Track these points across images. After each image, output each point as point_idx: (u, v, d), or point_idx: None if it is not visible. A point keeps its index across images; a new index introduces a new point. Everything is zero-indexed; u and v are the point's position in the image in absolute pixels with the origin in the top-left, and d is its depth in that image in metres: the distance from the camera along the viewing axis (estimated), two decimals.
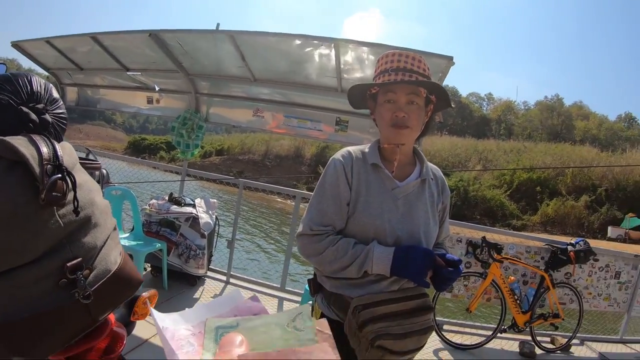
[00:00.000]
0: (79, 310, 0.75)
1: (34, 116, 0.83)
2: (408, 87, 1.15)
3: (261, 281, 4.18)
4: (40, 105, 0.86)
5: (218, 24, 3.55)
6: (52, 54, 4.53)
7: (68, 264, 0.73)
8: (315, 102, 3.96)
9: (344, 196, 1.19)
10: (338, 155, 1.25)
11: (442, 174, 1.36)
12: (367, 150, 1.26)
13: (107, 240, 0.85)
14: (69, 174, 0.76)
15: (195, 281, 3.68)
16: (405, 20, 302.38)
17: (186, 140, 4.26)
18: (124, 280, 0.85)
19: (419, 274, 1.10)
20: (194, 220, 3.58)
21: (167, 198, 3.81)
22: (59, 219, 0.74)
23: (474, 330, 3.58)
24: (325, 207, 1.19)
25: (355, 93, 1.28)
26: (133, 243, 3.33)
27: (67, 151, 0.81)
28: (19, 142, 0.73)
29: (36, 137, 0.76)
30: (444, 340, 3.25)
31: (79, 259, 0.75)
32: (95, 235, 0.81)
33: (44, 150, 0.74)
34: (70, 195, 0.76)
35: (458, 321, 3.71)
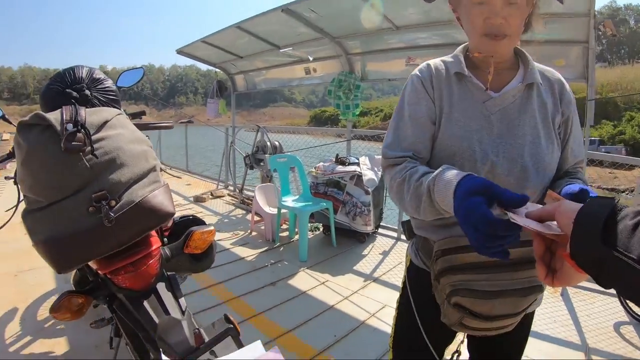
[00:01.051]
0: (105, 233, 0.93)
1: (75, 94, 1.15)
2: None
3: None
4: (79, 86, 1.18)
5: None
6: (212, 51, 5.14)
7: (93, 195, 0.92)
8: (462, 37, 3.36)
9: (427, 114, 0.93)
10: (416, 69, 0.99)
11: (560, 76, 0.97)
12: (450, 59, 0.98)
13: (137, 178, 1.00)
14: (85, 129, 0.94)
15: (364, 238, 3.71)
16: None
17: (345, 102, 4.26)
18: (149, 211, 0.99)
19: (475, 238, 0.60)
20: (357, 177, 3.59)
21: (333, 160, 3.93)
22: (85, 162, 0.93)
23: None
24: (403, 132, 0.94)
25: None
26: (300, 204, 3.57)
27: (100, 113, 1.03)
28: (52, 113, 0.97)
29: (66, 107, 0.99)
30: (630, 312, 2.40)
31: (104, 191, 0.93)
32: (121, 174, 0.97)
33: (66, 115, 0.96)
34: (105, 143, 0.97)
35: None
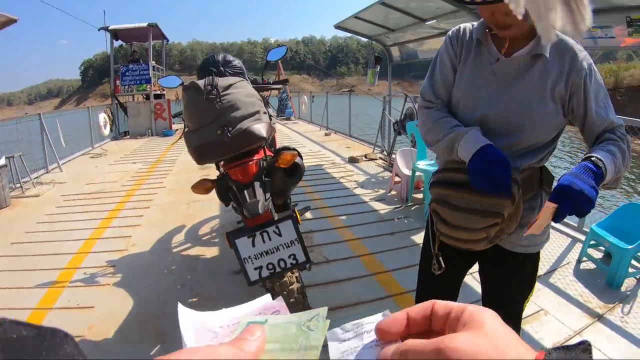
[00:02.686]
0: (225, 144, 1.61)
1: (214, 70, 1.93)
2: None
3: None
4: (217, 65, 1.98)
5: None
6: (366, 25, 5.55)
7: (221, 125, 1.61)
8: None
9: (452, 65, 1.17)
10: (450, 31, 1.21)
11: (577, 48, 1.04)
12: (477, 25, 1.15)
13: (247, 116, 1.66)
14: (217, 89, 1.62)
15: None
16: None
17: None
18: (250, 134, 1.64)
19: (490, 185, 0.97)
20: None
21: None
22: (216, 106, 1.62)
23: None
24: (435, 79, 1.19)
25: None
26: (428, 168, 3.78)
27: (227, 80, 1.69)
28: (200, 80, 1.67)
29: (208, 77, 1.68)
30: None
31: (226, 122, 1.62)
32: (237, 113, 1.64)
33: (208, 80, 1.65)
34: (229, 97, 1.65)
35: None
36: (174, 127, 10.87)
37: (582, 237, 2.93)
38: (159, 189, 4.79)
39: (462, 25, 1.19)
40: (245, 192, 1.63)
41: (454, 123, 1.09)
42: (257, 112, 1.71)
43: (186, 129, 1.77)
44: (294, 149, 1.83)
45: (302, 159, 1.89)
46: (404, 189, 4.09)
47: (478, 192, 1.01)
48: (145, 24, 10.78)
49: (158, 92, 11.10)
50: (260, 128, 1.67)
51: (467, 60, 1.14)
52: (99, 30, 10.71)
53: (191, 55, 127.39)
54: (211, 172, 5.00)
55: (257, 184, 1.66)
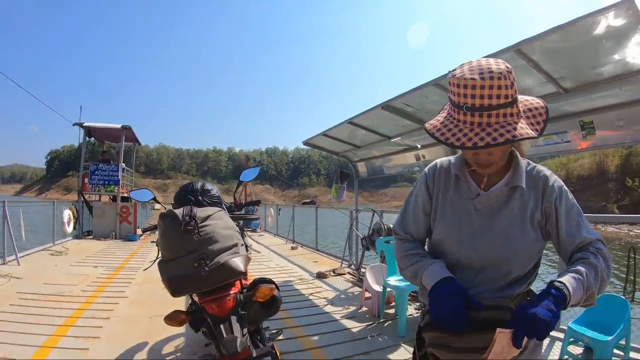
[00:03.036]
0: (202, 278, 1.57)
1: (192, 198, 1.94)
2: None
3: None
4: (195, 194, 1.97)
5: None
6: (334, 142, 6.07)
7: (198, 258, 1.58)
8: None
9: (423, 207, 1.24)
10: (426, 168, 1.29)
11: (549, 175, 1.15)
12: (454, 160, 1.22)
13: (225, 249, 1.65)
14: (195, 220, 1.63)
15: None
16: None
17: None
18: (228, 269, 1.63)
19: (442, 318, 1.02)
20: None
21: None
22: (194, 237, 1.61)
23: None
24: (406, 216, 1.28)
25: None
26: (402, 283, 3.78)
27: (206, 211, 1.72)
28: (178, 209, 1.68)
29: (187, 207, 1.70)
30: None
31: (204, 254, 1.60)
32: (215, 246, 1.64)
33: (186, 210, 1.66)
34: (207, 228, 1.65)
35: None
36: (139, 232, 10.63)
37: (561, 335, 2.91)
38: (120, 299, 4.47)
39: (438, 162, 1.26)
40: (222, 326, 1.61)
41: (420, 254, 1.18)
42: (235, 245, 1.72)
43: (160, 258, 1.74)
44: (271, 281, 1.87)
45: (279, 290, 1.93)
46: (376, 305, 4.05)
47: (478, 330, 0.99)
48: (119, 126, 11.05)
49: (125, 194, 11.03)
50: (238, 262, 1.67)
51: (447, 196, 1.18)
52: (73, 125, 10.88)
53: (157, 159, 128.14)
54: None
55: (234, 319, 1.65)
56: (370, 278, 4.33)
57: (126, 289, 4.97)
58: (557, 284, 0.95)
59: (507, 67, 0.97)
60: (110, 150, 13.20)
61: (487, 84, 0.94)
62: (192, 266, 1.58)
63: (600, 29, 2.30)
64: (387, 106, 4.22)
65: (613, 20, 2.19)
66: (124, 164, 11.73)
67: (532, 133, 0.97)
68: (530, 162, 1.16)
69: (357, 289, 5.13)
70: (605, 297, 2.76)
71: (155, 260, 2.14)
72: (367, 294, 4.38)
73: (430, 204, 1.22)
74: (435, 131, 1.05)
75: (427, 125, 1.10)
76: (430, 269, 1.10)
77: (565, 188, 1.13)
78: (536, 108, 1.04)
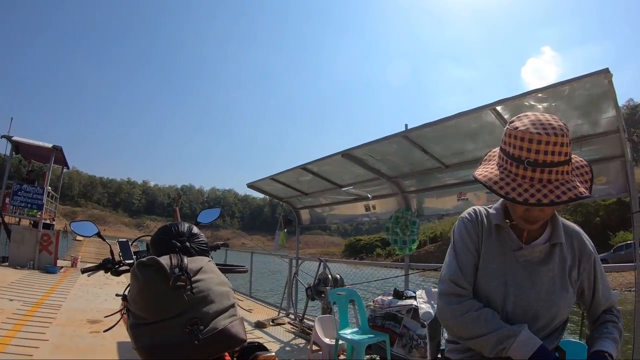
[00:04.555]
0: (195, 348, 1.24)
1: (178, 244, 1.50)
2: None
3: None
4: (182, 239, 1.54)
5: (406, 125, 3.79)
6: (280, 187, 5.95)
7: (190, 321, 1.25)
8: None
9: (474, 255, 1.17)
10: (465, 213, 1.24)
11: (581, 233, 1.19)
12: (492, 211, 1.21)
13: (221, 311, 1.34)
14: (187, 273, 1.29)
15: None
16: (577, 45, 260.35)
17: (402, 237, 4.56)
18: (228, 337, 1.32)
19: None
20: (414, 311, 3.72)
21: (392, 293, 4.13)
22: (184, 297, 1.27)
23: None
24: (461, 266, 1.16)
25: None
26: (357, 336, 3.71)
27: (197, 262, 1.40)
28: (163, 258, 1.32)
29: (174, 255, 1.36)
30: None
31: (196, 319, 1.26)
32: (210, 307, 1.32)
33: (174, 261, 1.32)
34: (200, 284, 1.32)
35: None
36: (60, 263, 9.43)
37: None
38: (40, 342, 3.76)
39: (476, 209, 1.24)
40: None
41: (497, 318, 1.08)
42: (232, 305, 1.42)
43: (132, 320, 1.33)
44: (265, 347, 1.63)
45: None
46: (327, 359, 3.90)
47: None
48: (50, 145, 10.16)
49: (48, 221, 10.03)
50: (238, 328, 1.38)
51: (489, 245, 1.16)
52: (1, 137, 9.74)
53: (68, 183, 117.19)
54: (112, 304, 4.17)
55: None
56: (319, 330, 4.18)
57: (47, 330, 4.29)
58: (606, 355, 1.04)
59: (565, 124, 0.99)
60: (35, 171, 11.71)
61: (552, 140, 0.94)
62: (181, 332, 1.25)
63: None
64: (347, 154, 4.26)
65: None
66: (50, 188, 10.66)
67: (586, 192, 0.99)
68: (560, 217, 1.19)
69: (300, 340, 4.91)
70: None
71: (119, 321, 1.78)
72: (315, 347, 4.22)
73: (479, 248, 1.17)
74: (492, 184, 1.03)
75: (478, 176, 1.09)
76: (521, 337, 1.02)
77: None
78: (582, 167, 1.08)
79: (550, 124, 0.97)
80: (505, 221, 1.16)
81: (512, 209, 1.11)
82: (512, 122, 1.02)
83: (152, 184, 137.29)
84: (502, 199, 1.15)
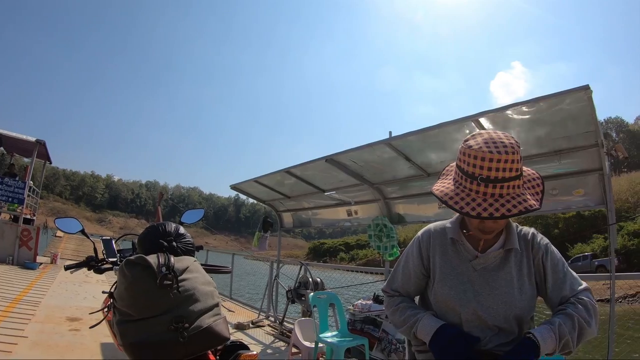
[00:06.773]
0: (180, 345, 1.28)
1: (165, 244, 1.55)
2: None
3: None
4: (169, 238, 1.59)
5: (390, 132, 3.84)
6: (263, 189, 5.94)
7: (175, 319, 1.29)
8: None
9: (414, 270, 1.34)
10: (419, 234, 1.38)
11: (533, 232, 1.27)
12: (449, 225, 1.30)
13: (206, 310, 1.39)
14: (174, 272, 1.34)
15: None
16: (547, 63, 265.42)
17: (384, 243, 4.63)
18: (212, 335, 1.36)
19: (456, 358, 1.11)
20: None
21: (371, 298, 4.19)
22: (171, 295, 1.31)
23: None
24: (396, 275, 1.40)
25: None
26: (336, 339, 3.76)
27: (183, 261, 1.44)
28: (150, 257, 1.36)
29: (161, 254, 1.40)
30: None
31: (182, 317, 1.30)
32: (195, 306, 1.36)
33: (161, 260, 1.36)
34: (186, 283, 1.36)
35: None
36: (39, 259, 9.23)
37: None
38: (18, 339, 3.68)
39: (431, 227, 1.35)
40: None
41: (410, 307, 1.30)
42: (217, 304, 1.47)
43: (118, 316, 1.37)
44: (249, 348, 1.67)
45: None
46: None
47: None
48: (33, 139, 9.92)
49: (28, 216, 9.74)
50: (222, 326, 1.42)
51: (445, 258, 1.26)
52: None
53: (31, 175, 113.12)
54: (92, 302, 4.13)
55: None
56: (299, 333, 4.21)
57: (25, 326, 4.20)
58: (528, 334, 1.08)
59: (517, 142, 1.06)
60: (15, 164, 11.47)
61: (502, 158, 1.01)
62: (167, 329, 1.28)
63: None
64: (330, 160, 4.28)
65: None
66: (31, 182, 10.35)
67: (536, 204, 1.07)
68: (518, 225, 1.28)
69: (280, 343, 4.93)
70: None
71: (104, 318, 1.81)
72: (295, 350, 4.25)
73: (423, 266, 1.32)
74: (447, 199, 1.10)
75: (435, 191, 1.18)
76: (422, 323, 1.21)
77: (550, 244, 1.24)
78: (534, 179, 1.16)
79: (502, 142, 1.04)
80: (460, 234, 1.26)
81: (469, 221, 1.20)
82: (467, 140, 1.10)
83: (116, 178, 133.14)
84: (455, 217, 1.29)
